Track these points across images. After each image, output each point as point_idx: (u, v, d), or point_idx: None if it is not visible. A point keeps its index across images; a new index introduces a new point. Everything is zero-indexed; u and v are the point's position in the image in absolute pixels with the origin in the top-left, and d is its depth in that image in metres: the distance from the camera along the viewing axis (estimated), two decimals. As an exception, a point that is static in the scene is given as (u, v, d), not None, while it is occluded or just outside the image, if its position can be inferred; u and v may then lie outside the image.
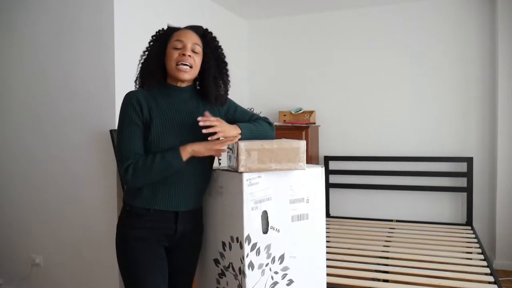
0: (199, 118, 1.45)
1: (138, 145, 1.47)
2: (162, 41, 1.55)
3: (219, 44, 1.63)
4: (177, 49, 1.51)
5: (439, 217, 3.80)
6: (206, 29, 1.62)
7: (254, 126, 1.63)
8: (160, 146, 1.47)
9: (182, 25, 1.68)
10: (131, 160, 1.45)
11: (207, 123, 1.45)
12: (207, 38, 1.59)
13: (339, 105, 4.12)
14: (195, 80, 1.62)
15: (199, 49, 1.54)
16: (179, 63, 1.49)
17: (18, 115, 2.85)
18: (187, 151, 1.45)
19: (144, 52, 1.60)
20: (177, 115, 1.53)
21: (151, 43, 1.59)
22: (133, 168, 1.43)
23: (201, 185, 1.59)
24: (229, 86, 1.65)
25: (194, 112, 1.57)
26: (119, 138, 1.50)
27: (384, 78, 3.95)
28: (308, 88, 4.23)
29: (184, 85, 1.57)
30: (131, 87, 1.64)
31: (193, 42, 1.52)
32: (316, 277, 1.64)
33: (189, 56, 1.50)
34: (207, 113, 1.49)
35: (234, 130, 1.53)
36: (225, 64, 1.63)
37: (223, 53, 1.64)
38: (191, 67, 1.51)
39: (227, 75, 1.64)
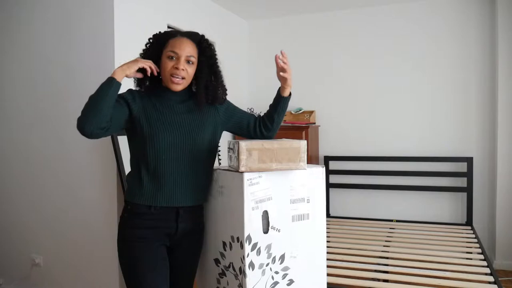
0: (282, 53, 1.61)
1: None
2: (158, 46, 1.59)
3: (215, 52, 1.66)
4: (171, 58, 1.54)
5: (439, 217, 3.80)
6: (203, 36, 1.64)
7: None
8: (154, 143, 1.51)
9: (182, 26, 1.70)
10: None
11: (282, 61, 1.61)
12: (202, 46, 1.62)
13: (339, 105, 4.12)
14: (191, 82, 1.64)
15: (193, 59, 1.58)
16: (173, 75, 1.54)
17: (18, 115, 2.84)
18: (117, 70, 1.46)
19: (140, 54, 1.64)
20: (172, 113, 1.57)
21: (148, 46, 1.63)
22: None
23: (201, 181, 1.60)
24: (225, 89, 1.69)
25: (189, 111, 1.61)
26: None
27: (384, 78, 3.95)
28: (308, 88, 4.23)
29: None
30: (130, 87, 1.66)
31: (187, 54, 1.55)
32: (317, 277, 1.64)
33: (182, 69, 1.54)
34: (284, 52, 1.63)
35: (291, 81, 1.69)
36: (218, 72, 1.67)
37: (217, 62, 1.67)
38: (183, 78, 1.56)
39: (221, 81, 1.67)
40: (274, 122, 1.75)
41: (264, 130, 1.75)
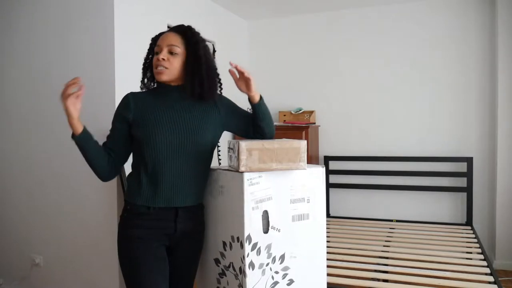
0: (232, 66, 1.57)
1: (108, 143, 1.62)
2: (152, 46, 1.66)
3: (201, 40, 1.61)
4: (156, 53, 1.58)
5: (439, 217, 3.80)
6: (188, 27, 1.62)
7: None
8: (151, 144, 1.52)
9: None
10: None
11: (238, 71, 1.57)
12: (187, 36, 1.59)
13: (339, 105, 4.12)
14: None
15: (177, 49, 1.56)
16: (155, 67, 1.57)
17: (18, 115, 2.84)
18: (69, 124, 1.51)
19: (145, 58, 1.71)
20: (169, 111, 1.57)
21: (148, 49, 1.69)
22: None
23: (197, 181, 1.59)
24: (218, 82, 1.66)
25: (187, 109, 1.60)
26: None
27: (384, 78, 3.96)
28: (308, 88, 4.23)
29: (175, 84, 1.61)
30: (131, 87, 1.68)
31: (168, 44, 1.55)
32: (317, 277, 1.64)
33: (163, 59, 1.54)
34: (233, 64, 1.58)
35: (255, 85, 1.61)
36: (208, 62, 1.60)
37: (201, 48, 1.59)
38: (166, 68, 1.55)
39: (212, 74, 1.61)
40: (263, 128, 1.67)
41: (260, 136, 1.71)
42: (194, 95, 1.59)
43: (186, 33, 1.59)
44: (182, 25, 1.64)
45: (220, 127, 1.67)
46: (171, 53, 1.55)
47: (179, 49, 1.56)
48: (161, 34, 1.65)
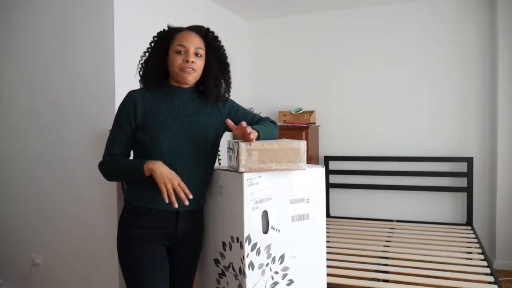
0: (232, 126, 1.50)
1: (118, 148, 1.55)
2: (164, 43, 1.57)
3: (221, 44, 1.65)
4: (179, 53, 1.53)
5: (439, 217, 3.80)
6: (208, 29, 1.63)
7: (264, 126, 1.61)
8: (158, 145, 1.49)
9: (182, 26, 1.69)
10: (107, 158, 1.55)
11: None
12: (208, 39, 1.60)
13: (339, 105, 4.12)
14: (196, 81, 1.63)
15: (201, 52, 1.56)
16: (183, 69, 1.52)
17: (19, 115, 2.84)
18: (148, 169, 1.45)
19: (144, 53, 1.62)
20: (177, 115, 1.55)
21: (152, 44, 1.61)
22: (106, 166, 1.54)
23: (202, 185, 1.59)
24: (230, 85, 1.68)
25: (195, 112, 1.59)
26: (110, 133, 1.58)
27: (384, 78, 3.95)
28: (308, 88, 4.23)
29: (185, 86, 1.59)
30: (131, 87, 1.65)
31: (195, 46, 1.54)
32: (316, 277, 1.64)
33: (192, 62, 1.52)
34: (229, 121, 1.52)
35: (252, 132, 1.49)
36: (227, 64, 1.66)
37: (225, 53, 1.65)
38: (194, 70, 1.54)
39: (229, 75, 1.66)
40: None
41: None
42: (215, 98, 1.61)
43: (207, 36, 1.60)
44: (202, 27, 1.62)
45: (221, 128, 1.66)
46: (196, 54, 1.54)
47: (203, 51, 1.57)
48: (174, 31, 1.58)
